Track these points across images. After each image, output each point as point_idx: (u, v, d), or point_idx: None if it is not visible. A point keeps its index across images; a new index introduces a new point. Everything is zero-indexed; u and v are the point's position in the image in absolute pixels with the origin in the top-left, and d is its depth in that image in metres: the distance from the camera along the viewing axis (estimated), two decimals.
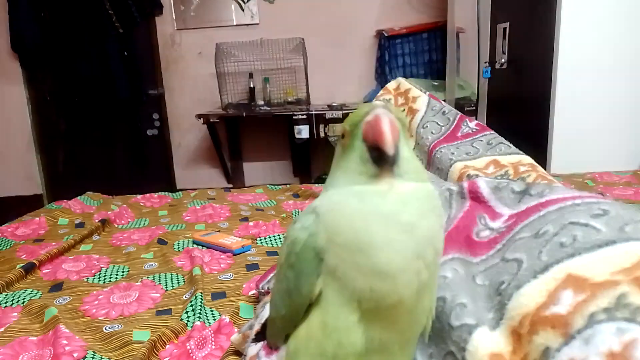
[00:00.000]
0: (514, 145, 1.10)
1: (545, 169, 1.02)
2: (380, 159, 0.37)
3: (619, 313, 0.37)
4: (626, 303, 0.37)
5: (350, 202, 0.38)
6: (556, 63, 1.97)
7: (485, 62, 2.57)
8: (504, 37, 2.44)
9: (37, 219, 1.61)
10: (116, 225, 1.58)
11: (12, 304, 1.03)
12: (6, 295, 1.06)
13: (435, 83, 3.27)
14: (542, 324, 0.40)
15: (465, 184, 0.65)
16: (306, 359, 0.40)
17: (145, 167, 3.87)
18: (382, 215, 0.37)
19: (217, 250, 1.28)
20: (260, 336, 0.53)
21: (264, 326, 0.52)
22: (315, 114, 3.12)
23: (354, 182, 0.39)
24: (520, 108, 2.38)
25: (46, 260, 1.24)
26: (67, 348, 0.81)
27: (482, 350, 0.42)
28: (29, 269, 1.18)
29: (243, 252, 1.27)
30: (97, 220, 1.57)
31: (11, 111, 3.70)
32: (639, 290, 0.38)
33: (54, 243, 1.39)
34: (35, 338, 0.88)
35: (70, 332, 0.86)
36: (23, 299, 1.05)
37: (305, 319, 0.40)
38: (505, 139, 1.13)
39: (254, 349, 0.62)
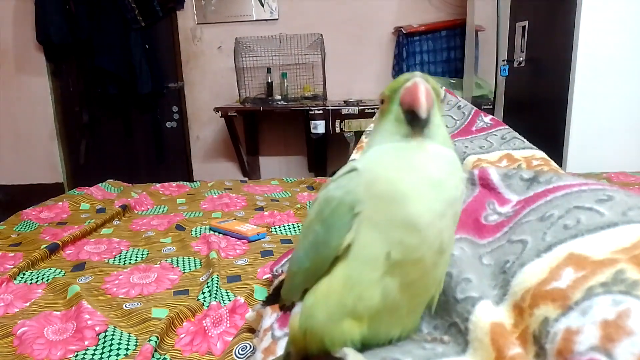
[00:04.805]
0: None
1: (561, 168, 1.02)
2: (414, 121, 0.40)
3: (615, 287, 0.38)
4: (623, 278, 0.39)
5: (386, 155, 0.41)
6: (575, 62, 1.95)
7: (504, 60, 2.55)
8: (523, 36, 2.43)
9: (60, 203, 1.66)
10: (136, 212, 1.63)
11: (37, 281, 1.08)
12: (31, 273, 1.11)
13: (453, 81, 3.26)
14: (543, 298, 0.42)
15: (476, 172, 0.67)
16: (324, 311, 0.42)
17: (164, 160, 3.93)
18: (413, 168, 0.40)
19: (233, 237, 1.31)
20: (271, 299, 0.55)
21: (275, 289, 0.54)
22: (331, 109, 3.13)
23: (388, 140, 0.42)
24: (537, 107, 2.37)
25: (69, 242, 1.29)
26: (89, 322, 0.85)
27: (485, 320, 0.43)
28: (53, 249, 1.23)
29: (258, 240, 1.30)
30: (117, 206, 1.62)
31: (35, 102, 3.79)
32: (636, 267, 0.39)
33: (76, 226, 1.44)
34: (59, 313, 0.92)
35: (92, 308, 0.90)
36: (47, 277, 1.09)
37: (328, 274, 0.43)
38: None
39: (267, 321, 0.65)
